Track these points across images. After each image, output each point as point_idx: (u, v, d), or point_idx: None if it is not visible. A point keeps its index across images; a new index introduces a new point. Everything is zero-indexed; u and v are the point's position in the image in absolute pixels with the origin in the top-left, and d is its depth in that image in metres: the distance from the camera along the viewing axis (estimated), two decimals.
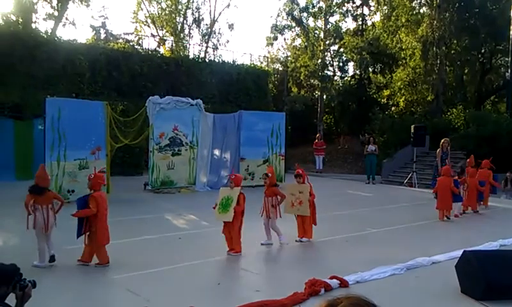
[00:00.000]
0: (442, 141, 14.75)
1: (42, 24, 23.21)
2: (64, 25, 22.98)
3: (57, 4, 22.59)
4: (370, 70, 31.66)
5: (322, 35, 30.84)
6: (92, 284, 5.68)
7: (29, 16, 20.82)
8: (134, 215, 10.38)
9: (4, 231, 8.12)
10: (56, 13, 22.23)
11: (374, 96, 29.80)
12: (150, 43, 33.60)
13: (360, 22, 32.95)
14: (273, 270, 6.40)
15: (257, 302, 4.89)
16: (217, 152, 15.96)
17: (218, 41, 32.56)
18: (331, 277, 5.75)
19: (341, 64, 32.42)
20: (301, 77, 31.33)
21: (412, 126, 17.94)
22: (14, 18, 20.92)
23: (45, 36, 19.18)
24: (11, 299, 3.46)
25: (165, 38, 31.29)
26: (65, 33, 30.37)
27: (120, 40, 26.00)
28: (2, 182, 14.18)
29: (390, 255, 7.20)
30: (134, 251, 7.25)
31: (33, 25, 20.90)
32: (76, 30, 44.12)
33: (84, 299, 5.17)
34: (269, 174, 8.13)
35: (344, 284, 5.73)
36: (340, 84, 32.83)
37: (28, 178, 13.90)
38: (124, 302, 4.88)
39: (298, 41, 33.37)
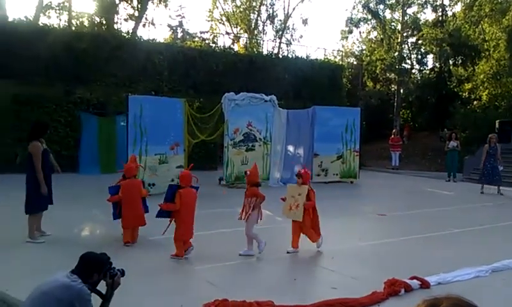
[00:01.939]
0: (490, 136, 14.55)
1: (124, 25, 24.23)
2: (144, 25, 23.93)
3: (137, 5, 23.55)
4: (451, 62, 30.26)
5: (399, 27, 29.93)
6: (175, 275, 5.88)
7: (111, 18, 21.88)
8: (210, 208, 10.61)
9: (92, 222, 8.60)
10: (136, 14, 23.18)
11: (455, 89, 28.50)
12: (224, 41, 34.26)
13: (440, 13, 31.57)
14: (350, 268, 6.28)
15: (335, 299, 4.83)
16: (290, 148, 15.96)
17: (292, 36, 32.60)
18: (412, 278, 5.56)
19: (419, 56, 31.29)
20: (377, 71, 30.59)
21: (497, 122, 16.97)
22: (98, 19, 22.07)
23: (127, 37, 20.04)
24: (101, 287, 3.66)
25: (239, 35, 31.73)
26: (145, 33, 31.59)
27: (196, 39, 26.65)
28: (89, 176, 15.05)
29: (472, 256, 6.88)
30: (212, 243, 7.42)
31: (115, 26, 21.93)
32: (155, 30, 45.73)
33: (167, 288, 5.36)
34: (247, 172, 7.18)
35: (425, 285, 5.52)
36: (418, 78, 31.70)
37: (111, 171, 14.70)
38: (204, 293, 4.99)
39: (374, 34, 32.64)
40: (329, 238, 8.17)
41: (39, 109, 16.07)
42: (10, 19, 18.12)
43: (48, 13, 22.02)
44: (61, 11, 22.29)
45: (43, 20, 20.43)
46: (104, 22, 21.43)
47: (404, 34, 29.98)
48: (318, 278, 5.80)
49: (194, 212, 6.61)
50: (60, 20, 22.10)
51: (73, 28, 20.65)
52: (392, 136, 22.52)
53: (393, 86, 31.79)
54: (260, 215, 6.93)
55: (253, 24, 32.23)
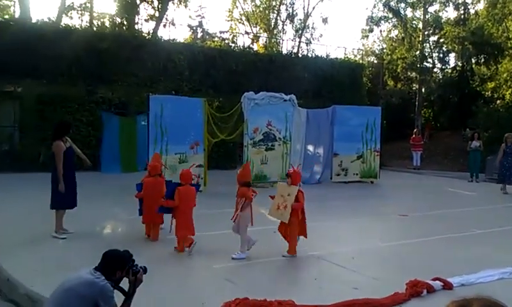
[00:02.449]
0: (506, 135, 14.42)
1: (144, 25, 24.45)
2: (164, 25, 24.08)
3: (158, 5, 23.73)
4: (473, 61, 29.79)
5: (420, 25, 29.61)
6: (195, 273, 5.92)
7: (132, 18, 22.08)
8: (229, 208, 10.62)
9: (114, 219, 8.71)
10: (157, 14, 23.36)
11: (478, 88, 28.04)
12: (244, 41, 34.32)
13: (462, 11, 31.09)
14: (371, 269, 6.23)
15: (356, 299, 4.80)
16: (310, 147, 15.91)
17: (311, 35, 32.47)
18: (434, 279, 5.49)
19: (441, 55, 30.89)
20: (398, 70, 30.29)
21: None
22: (119, 20, 22.30)
23: (147, 37, 20.22)
24: (124, 284, 3.70)
25: (259, 34, 31.74)
26: (165, 33, 31.81)
27: (216, 38, 26.74)
28: (110, 174, 15.22)
29: (495, 258, 6.77)
30: (231, 242, 7.42)
31: (136, 27, 22.14)
32: (175, 30, 46.00)
33: (188, 286, 5.40)
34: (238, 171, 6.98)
35: (447, 286, 5.44)
36: (440, 76, 31.31)
37: (132, 170, 14.86)
38: (224, 291, 5.01)
39: (395, 33, 32.35)
40: (350, 239, 8.14)
41: (62, 109, 16.34)
42: (34, 20, 18.43)
43: (71, 14, 22.31)
44: (83, 12, 22.58)
45: (65, 20, 20.71)
46: (125, 23, 21.64)
47: (426, 33, 29.63)
48: (338, 278, 5.76)
49: (192, 209, 6.78)
50: (82, 20, 22.40)
51: (95, 28, 20.90)
52: (413, 136, 22.28)
53: (414, 84, 31.44)
54: (249, 218, 6.61)
55: (272, 24, 32.21)
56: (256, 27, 33.07)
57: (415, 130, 23.14)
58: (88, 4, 23.14)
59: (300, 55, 25.46)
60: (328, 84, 22.81)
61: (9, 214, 8.75)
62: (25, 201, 10.19)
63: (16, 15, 19.53)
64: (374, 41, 35.06)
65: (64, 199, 7.36)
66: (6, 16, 18.55)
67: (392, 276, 5.78)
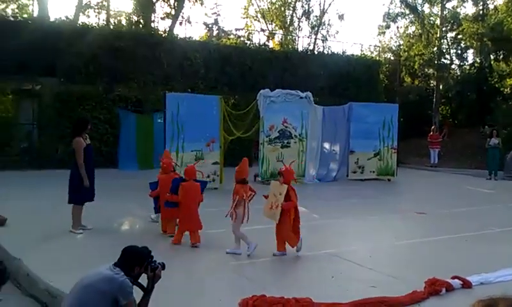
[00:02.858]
0: None
1: (160, 23, 24.50)
2: (180, 23, 24.13)
3: (174, 3, 23.78)
4: (492, 57, 29.29)
5: (438, 21, 29.23)
6: (212, 270, 5.94)
7: (148, 16, 22.17)
8: None
9: (131, 216, 8.78)
10: (173, 12, 23.41)
11: (496, 85, 27.59)
12: (260, 38, 34.26)
13: (481, 7, 30.57)
14: (389, 267, 6.19)
15: (374, 298, 4.77)
16: (326, 145, 15.86)
17: (327, 32, 32.24)
18: (453, 277, 5.43)
19: (459, 51, 30.44)
20: (415, 66, 29.94)
21: None
22: (135, 18, 22.43)
23: (164, 35, 20.30)
24: (142, 280, 3.72)
25: (274, 31, 31.64)
26: (181, 31, 31.88)
27: (232, 36, 26.73)
28: (127, 171, 15.36)
29: None
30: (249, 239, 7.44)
31: (152, 25, 22.23)
32: (191, 28, 46.09)
33: (205, 283, 5.42)
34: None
35: (466, 285, 5.38)
36: (458, 73, 30.85)
37: (149, 167, 14.98)
38: (241, 288, 5.02)
39: (412, 29, 31.97)
40: (367, 236, 8.09)
41: (80, 107, 16.52)
42: (52, 19, 18.63)
43: (88, 12, 22.48)
44: (100, 10, 22.74)
45: (82, 19, 20.89)
46: (142, 21, 21.74)
47: (443, 29, 29.23)
48: (356, 276, 5.72)
49: (197, 204, 6.91)
50: (99, 19, 22.55)
51: (112, 27, 21.04)
52: (431, 133, 22.07)
53: (432, 81, 31.07)
54: (247, 215, 6.54)
55: (288, 21, 32.08)
56: (271, 24, 32.97)
57: (432, 127, 22.91)
58: (105, 3, 23.29)
59: (316, 52, 25.31)
60: (344, 81, 22.67)
61: (28, 210, 8.88)
62: (44, 198, 10.31)
63: (35, 14, 19.76)
64: (391, 38, 34.64)
65: (81, 195, 7.47)
66: (25, 15, 18.77)
67: (410, 274, 5.73)
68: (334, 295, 4.85)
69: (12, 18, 17.15)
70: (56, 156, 16.25)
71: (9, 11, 18.40)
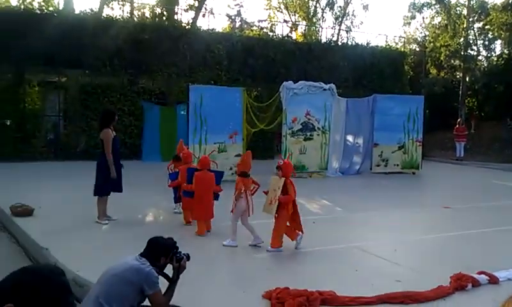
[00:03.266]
0: None
1: (184, 15, 24.53)
2: (203, 15, 24.18)
3: None
4: None
5: (465, 12, 28.63)
6: (235, 262, 5.97)
7: (172, 8, 22.26)
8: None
9: (155, 207, 8.87)
10: (196, 4, 23.46)
11: None
12: (283, 29, 34.10)
13: None
14: (414, 261, 6.11)
15: (399, 292, 4.71)
16: (349, 137, 15.71)
17: (351, 23, 31.93)
18: (479, 273, 5.33)
19: (486, 42, 29.77)
20: (441, 58, 29.42)
21: None
22: (159, 10, 22.54)
23: (187, 27, 20.35)
24: (168, 270, 3.75)
25: (297, 23, 31.44)
26: (204, 23, 31.93)
27: (254, 28, 26.67)
28: (151, 163, 15.50)
29: None
30: (271, 232, 7.43)
31: (176, 17, 22.31)
32: (214, 19, 46.14)
33: (228, 275, 5.45)
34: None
35: (493, 280, 5.27)
36: (485, 65, 30.20)
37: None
38: (265, 281, 5.01)
39: (438, 20, 31.42)
40: (391, 230, 8.00)
41: (104, 99, 16.73)
42: (77, 12, 18.85)
43: (112, 5, 22.70)
44: (124, 3, 22.91)
45: (106, 11, 21.09)
46: (165, 13, 21.85)
47: (470, 19, 28.63)
48: (380, 270, 5.66)
49: (211, 193, 7.03)
50: (123, 11, 22.73)
51: (136, 19, 21.19)
52: (457, 126, 21.71)
53: (458, 73, 30.51)
54: (251, 207, 6.52)
55: (311, 11, 31.85)
56: (295, 15, 32.79)
57: (458, 120, 22.53)
58: None
59: (340, 44, 25.09)
60: (368, 73, 22.42)
61: (54, 201, 9.04)
62: (70, 189, 10.50)
63: (60, 7, 20.03)
64: (416, 29, 34.18)
65: (108, 186, 7.57)
66: (51, 8, 19.01)
67: (435, 269, 5.65)
68: (358, 289, 4.81)
69: (38, 11, 17.38)
70: (81, 147, 16.52)
71: (35, 4, 18.64)
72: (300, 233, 6.41)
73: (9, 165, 14.29)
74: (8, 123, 15.55)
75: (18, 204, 7.84)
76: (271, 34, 24.78)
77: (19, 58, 15.66)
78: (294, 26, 30.49)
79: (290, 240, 6.39)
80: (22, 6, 17.97)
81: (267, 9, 33.97)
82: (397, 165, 15.66)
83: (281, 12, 33.35)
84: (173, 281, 3.74)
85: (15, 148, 15.57)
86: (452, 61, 30.32)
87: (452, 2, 29.53)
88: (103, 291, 3.42)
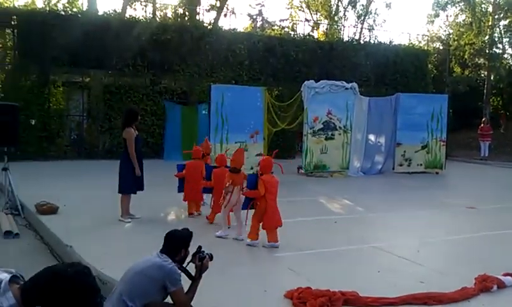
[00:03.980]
0: None
1: (206, 15, 24.67)
2: (225, 15, 24.27)
3: None
4: None
5: (490, 9, 28.10)
6: (256, 261, 5.96)
7: (194, 9, 22.40)
8: (289, 197, 10.62)
9: (176, 206, 8.91)
10: (218, 4, 23.56)
11: None
12: (304, 28, 34.00)
13: None
14: (437, 262, 6.02)
15: (423, 293, 4.65)
16: (371, 137, 15.58)
17: (374, 21, 31.67)
18: (505, 274, 5.22)
19: None
20: (465, 56, 28.94)
21: None
22: (181, 10, 22.71)
23: (209, 27, 20.44)
24: (190, 269, 3.77)
25: (319, 21, 31.30)
26: (225, 23, 32.05)
27: (276, 27, 26.65)
28: (171, 162, 15.59)
29: None
30: (293, 231, 7.42)
31: (198, 17, 22.44)
32: (235, 19, 46.21)
33: (250, 274, 5.44)
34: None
35: None
36: (511, 63, 29.61)
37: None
38: (286, 280, 5.01)
39: (462, 17, 30.93)
40: (414, 231, 7.90)
41: (127, 99, 16.92)
42: (100, 13, 19.10)
43: (134, 5, 22.95)
44: (146, 3, 23.15)
45: (129, 12, 21.33)
46: (187, 13, 21.98)
47: (496, 17, 28.09)
48: (403, 271, 5.59)
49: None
50: (145, 12, 22.98)
51: (158, 19, 21.37)
52: (482, 125, 21.34)
53: (482, 71, 30.00)
54: (240, 201, 6.72)
55: (333, 10, 31.67)
56: (316, 14, 32.65)
57: (483, 120, 22.16)
58: None
59: (362, 42, 24.85)
60: (390, 72, 22.19)
61: (78, 199, 9.17)
62: (93, 187, 10.65)
63: (84, 8, 20.32)
64: (440, 27, 33.82)
65: (132, 184, 7.65)
66: (75, 10, 19.30)
67: (459, 270, 5.56)
68: (381, 290, 4.76)
69: (63, 13, 17.67)
70: (104, 146, 16.75)
71: (60, 6, 18.97)
72: (275, 242, 6.33)
73: (34, 164, 14.57)
74: (33, 123, 15.83)
75: (43, 203, 7.97)
76: (292, 33, 24.70)
77: (44, 59, 15.95)
78: (316, 25, 30.37)
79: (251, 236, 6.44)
80: (47, 8, 18.30)
81: (288, 9, 33.95)
82: (420, 165, 15.47)
83: (303, 11, 33.27)
84: (195, 280, 3.77)
85: (39, 147, 15.87)
86: (477, 60, 29.83)
87: (477, 0, 29.02)
88: (126, 288, 3.46)
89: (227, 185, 6.69)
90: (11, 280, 1.72)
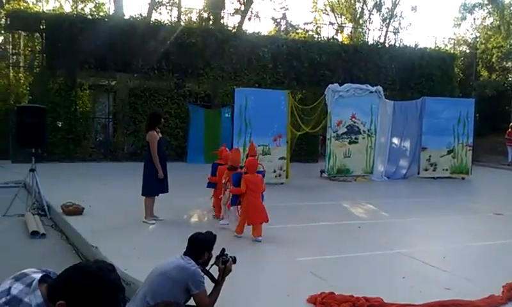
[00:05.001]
0: None
1: (230, 19, 24.79)
2: (249, 18, 24.34)
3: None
4: None
5: None
6: (278, 265, 5.94)
7: (218, 12, 22.54)
8: (311, 201, 10.59)
9: (199, 208, 8.96)
10: (242, 8, 23.65)
11: None
12: (328, 31, 33.86)
13: None
14: (464, 269, 5.90)
15: (449, 300, 4.56)
16: (396, 141, 15.37)
17: (399, 24, 31.35)
18: None
19: None
20: (493, 60, 28.39)
21: None
22: (205, 14, 22.86)
23: (233, 31, 20.53)
24: (213, 272, 3.78)
25: (344, 25, 31.13)
26: (249, 26, 32.09)
27: (300, 30, 26.59)
28: (195, 164, 15.72)
29: None
30: (315, 235, 7.39)
31: (222, 21, 22.55)
32: (259, 23, 46.25)
33: (272, 277, 5.43)
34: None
35: None
36: None
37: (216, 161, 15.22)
38: (309, 285, 4.98)
39: (490, 20, 30.35)
40: (440, 237, 7.77)
41: (152, 102, 17.11)
42: (126, 17, 19.37)
43: (160, 9, 23.22)
44: (172, 8, 23.39)
45: (155, 16, 21.57)
46: (212, 17, 22.12)
47: None
48: (429, 277, 5.50)
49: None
50: (171, 16, 23.21)
51: (183, 23, 21.56)
52: (509, 130, 20.90)
53: (510, 75, 29.38)
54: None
55: (358, 13, 31.47)
56: (341, 17, 32.50)
57: (511, 124, 21.67)
58: (176, 0, 23.94)
59: (387, 45, 24.59)
60: (416, 75, 21.89)
61: (103, 201, 9.30)
62: (118, 189, 10.78)
63: (111, 12, 20.64)
64: (467, 30, 33.23)
65: (155, 186, 7.73)
66: (101, 14, 19.61)
67: (486, 278, 5.44)
68: (406, 296, 4.69)
69: (90, 17, 17.97)
70: (129, 149, 16.96)
71: (87, 10, 19.33)
72: (258, 236, 6.74)
73: (61, 165, 14.85)
74: (60, 125, 16.14)
75: (69, 204, 8.10)
76: (316, 36, 24.61)
77: (71, 62, 16.25)
78: (340, 28, 30.20)
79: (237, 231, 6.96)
80: (75, 12, 18.63)
81: (312, 12, 33.86)
82: (446, 170, 15.21)
83: (327, 14, 33.16)
84: (218, 282, 3.78)
85: (66, 148, 16.16)
86: (505, 63, 29.24)
87: (505, 2, 28.47)
88: (150, 290, 3.49)
89: (223, 181, 7.36)
90: (42, 279, 1.75)
